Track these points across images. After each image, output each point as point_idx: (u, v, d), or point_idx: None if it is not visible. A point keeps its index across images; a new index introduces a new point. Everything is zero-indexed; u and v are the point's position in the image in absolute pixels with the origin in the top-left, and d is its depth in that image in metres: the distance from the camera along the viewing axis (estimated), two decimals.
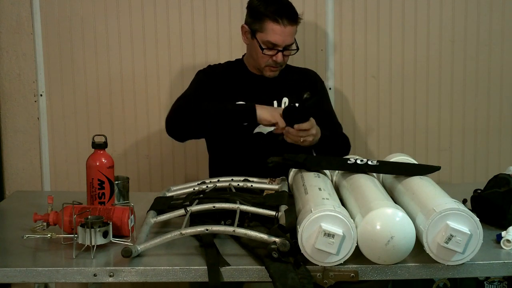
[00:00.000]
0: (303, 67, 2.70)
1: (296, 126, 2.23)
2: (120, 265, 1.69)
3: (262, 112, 2.28)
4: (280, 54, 2.41)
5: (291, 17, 2.40)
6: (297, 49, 2.47)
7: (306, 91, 2.27)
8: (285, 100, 2.51)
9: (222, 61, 2.69)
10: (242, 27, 2.49)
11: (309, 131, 2.25)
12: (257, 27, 2.42)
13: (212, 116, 2.31)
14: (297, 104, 2.42)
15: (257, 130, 2.46)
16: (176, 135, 2.39)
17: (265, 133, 2.47)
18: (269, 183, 2.21)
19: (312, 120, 2.26)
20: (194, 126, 2.34)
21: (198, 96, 2.42)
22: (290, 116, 2.24)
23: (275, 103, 2.49)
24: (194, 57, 2.98)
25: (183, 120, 2.34)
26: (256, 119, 2.28)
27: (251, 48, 2.48)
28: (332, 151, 2.38)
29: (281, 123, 2.25)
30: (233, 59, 2.64)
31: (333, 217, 1.64)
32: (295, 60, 2.84)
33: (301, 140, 2.25)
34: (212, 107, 2.33)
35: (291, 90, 2.53)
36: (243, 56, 2.61)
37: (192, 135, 2.46)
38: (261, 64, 2.46)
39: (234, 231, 1.74)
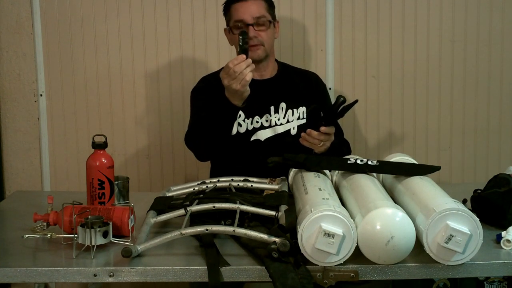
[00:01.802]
0: (303, 69, 2.69)
1: (323, 128, 2.17)
2: (120, 265, 1.69)
3: (230, 96, 2.20)
4: (250, 28, 2.38)
5: None
6: (271, 22, 2.43)
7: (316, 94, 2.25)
8: (303, 110, 2.50)
9: (222, 61, 2.69)
10: (224, 30, 2.51)
11: (330, 136, 2.21)
12: (228, 19, 2.46)
13: (205, 124, 2.31)
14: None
15: (254, 137, 2.46)
16: (207, 158, 2.48)
17: (262, 140, 2.46)
18: (269, 183, 2.21)
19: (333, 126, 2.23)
20: (206, 144, 2.34)
21: (199, 115, 2.41)
22: (316, 117, 2.18)
23: (272, 108, 2.48)
24: (194, 57, 2.98)
25: (197, 146, 2.37)
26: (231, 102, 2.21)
27: (233, 43, 2.48)
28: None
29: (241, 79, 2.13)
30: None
31: (333, 217, 1.64)
32: (295, 60, 2.85)
33: (320, 145, 2.21)
34: (200, 118, 2.35)
35: (289, 93, 2.51)
36: None
37: (216, 150, 2.39)
38: None
39: (234, 231, 1.74)
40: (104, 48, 2.98)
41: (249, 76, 2.11)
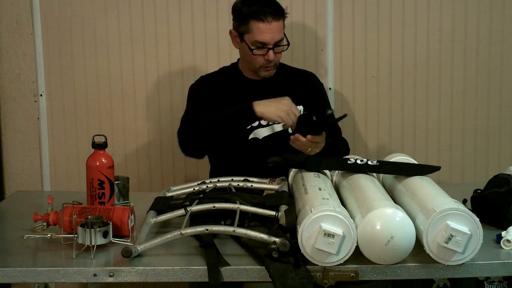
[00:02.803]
0: (301, 69, 2.68)
1: (309, 137, 2.17)
2: (120, 265, 1.70)
3: (264, 108, 2.23)
4: (271, 52, 2.38)
5: (275, 12, 2.37)
6: (288, 44, 2.43)
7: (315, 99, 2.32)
8: (301, 108, 2.49)
9: (222, 61, 2.67)
10: (230, 32, 2.46)
11: (318, 143, 2.22)
12: (243, 29, 2.39)
13: (214, 124, 2.31)
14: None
15: (252, 136, 2.46)
16: (192, 155, 2.45)
17: (260, 138, 2.46)
18: (269, 183, 2.21)
19: (323, 133, 2.22)
20: (203, 141, 2.35)
21: (196, 112, 2.41)
22: (305, 125, 2.19)
23: None
24: (194, 57, 2.98)
25: (191, 140, 2.36)
26: (255, 114, 2.23)
27: (243, 51, 2.45)
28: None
29: (290, 122, 2.23)
30: (234, 59, 2.63)
31: (333, 217, 1.64)
32: (295, 60, 2.85)
33: (309, 150, 2.21)
34: (211, 116, 2.33)
35: (287, 93, 2.49)
36: (238, 60, 2.58)
37: (206, 149, 2.45)
38: (255, 66, 2.43)
39: (234, 231, 1.74)
40: (104, 48, 2.98)
41: (284, 124, 2.29)
